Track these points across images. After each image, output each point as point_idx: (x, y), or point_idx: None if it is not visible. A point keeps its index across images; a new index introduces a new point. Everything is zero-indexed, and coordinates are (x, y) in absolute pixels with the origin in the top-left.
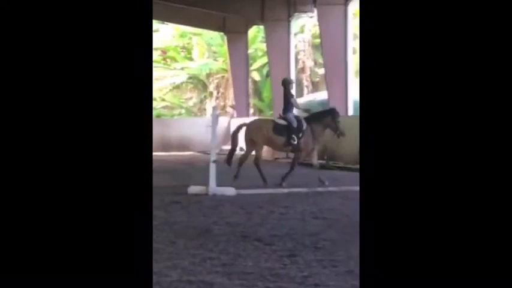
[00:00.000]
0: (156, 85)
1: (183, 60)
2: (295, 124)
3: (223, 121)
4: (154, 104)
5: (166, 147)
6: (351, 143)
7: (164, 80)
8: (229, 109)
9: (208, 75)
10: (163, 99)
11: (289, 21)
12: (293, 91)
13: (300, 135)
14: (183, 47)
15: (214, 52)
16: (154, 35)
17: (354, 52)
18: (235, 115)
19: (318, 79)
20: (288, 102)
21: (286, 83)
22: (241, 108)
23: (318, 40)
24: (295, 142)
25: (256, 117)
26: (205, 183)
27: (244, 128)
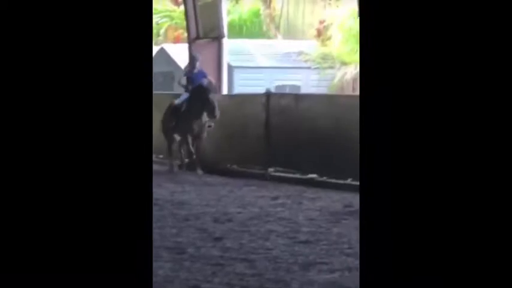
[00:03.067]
0: None
1: None
2: (179, 103)
3: None
4: None
5: None
6: None
7: None
8: None
9: None
10: None
11: None
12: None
13: (180, 115)
14: None
15: None
16: None
17: None
18: None
19: None
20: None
21: (191, 61)
22: None
23: None
24: (172, 124)
25: None
26: None
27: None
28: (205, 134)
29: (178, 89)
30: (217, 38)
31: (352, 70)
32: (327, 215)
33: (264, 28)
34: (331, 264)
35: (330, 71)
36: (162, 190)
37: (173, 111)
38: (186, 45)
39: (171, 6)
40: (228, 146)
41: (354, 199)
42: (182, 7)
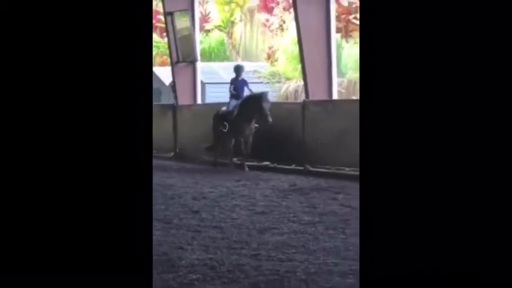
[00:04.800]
0: None
1: None
2: (229, 109)
3: None
4: None
5: None
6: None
7: None
8: None
9: None
10: None
11: None
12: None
13: (231, 120)
14: None
15: None
16: None
17: None
18: None
19: None
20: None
21: (236, 70)
22: None
23: None
24: (226, 129)
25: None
26: None
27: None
28: (251, 137)
29: (165, 100)
30: (193, 62)
31: (294, 84)
32: (277, 192)
33: (228, 53)
34: (281, 229)
35: (277, 84)
36: (154, 176)
37: (223, 117)
38: (169, 68)
39: (158, 39)
40: (201, 141)
41: (297, 179)
42: (166, 39)
